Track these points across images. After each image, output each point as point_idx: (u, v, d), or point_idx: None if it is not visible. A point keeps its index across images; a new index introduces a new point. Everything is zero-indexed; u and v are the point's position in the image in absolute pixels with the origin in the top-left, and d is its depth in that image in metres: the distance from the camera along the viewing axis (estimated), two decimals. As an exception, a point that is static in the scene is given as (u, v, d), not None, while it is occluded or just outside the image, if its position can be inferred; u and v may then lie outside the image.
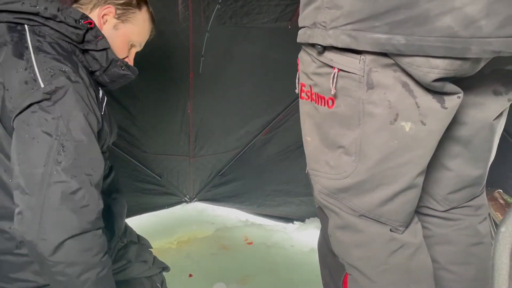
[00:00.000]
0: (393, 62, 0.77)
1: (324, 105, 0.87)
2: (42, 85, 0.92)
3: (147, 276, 1.36)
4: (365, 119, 0.83)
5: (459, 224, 1.03)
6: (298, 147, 2.62)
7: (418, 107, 0.79)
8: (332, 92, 0.83)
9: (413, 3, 0.71)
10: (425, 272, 0.92)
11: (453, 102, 0.79)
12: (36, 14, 1.02)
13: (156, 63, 2.09)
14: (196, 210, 2.95)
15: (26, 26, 1.01)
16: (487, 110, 0.94)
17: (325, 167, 0.91)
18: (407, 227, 0.91)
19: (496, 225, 1.42)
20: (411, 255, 0.89)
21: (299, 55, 0.98)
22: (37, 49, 0.97)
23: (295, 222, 2.83)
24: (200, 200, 2.95)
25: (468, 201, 1.03)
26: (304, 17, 0.89)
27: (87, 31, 1.08)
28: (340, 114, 0.85)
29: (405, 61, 0.75)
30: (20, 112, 0.91)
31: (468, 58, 0.73)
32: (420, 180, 0.88)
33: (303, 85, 0.95)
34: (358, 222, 0.89)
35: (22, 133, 0.90)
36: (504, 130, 1.83)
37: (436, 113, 0.80)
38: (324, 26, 0.80)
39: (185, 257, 2.29)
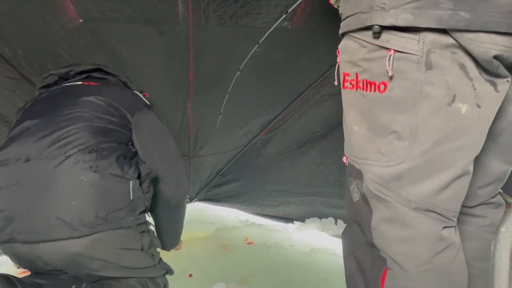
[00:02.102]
0: (452, 43, 0.79)
1: (375, 91, 0.87)
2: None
3: (151, 278, 1.36)
4: (421, 101, 0.82)
5: (484, 221, 1.06)
6: (298, 147, 2.62)
7: (475, 89, 0.81)
8: (390, 74, 0.83)
9: None
10: (463, 274, 0.92)
11: (504, 86, 0.82)
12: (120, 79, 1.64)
13: (156, 63, 2.10)
14: (196, 210, 2.95)
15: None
16: None
17: (376, 154, 0.89)
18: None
19: (496, 225, 1.42)
20: (455, 255, 0.89)
21: (341, 46, 0.97)
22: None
23: (295, 222, 2.83)
24: (200, 200, 2.95)
25: (491, 198, 1.06)
26: (354, 4, 0.89)
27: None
28: (393, 98, 0.85)
29: (467, 37, 0.77)
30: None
31: None
32: (472, 167, 0.88)
33: (346, 74, 0.93)
34: (411, 216, 0.87)
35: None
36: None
37: (490, 96, 0.82)
38: (383, 8, 0.81)
39: (185, 257, 2.29)
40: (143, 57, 2.05)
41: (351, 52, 0.92)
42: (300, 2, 1.88)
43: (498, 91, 0.82)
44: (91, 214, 1.17)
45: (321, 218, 2.75)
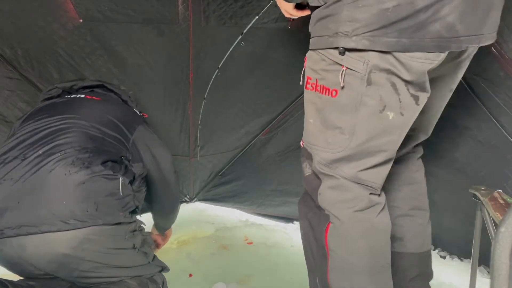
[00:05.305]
0: (388, 68, 1.05)
1: (328, 95, 1.14)
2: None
3: (148, 277, 1.36)
4: (360, 107, 1.11)
5: (410, 160, 1.49)
6: (298, 147, 2.60)
7: (400, 102, 1.10)
8: (341, 85, 1.10)
9: (414, 16, 1.00)
10: (385, 228, 1.20)
11: (423, 100, 1.13)
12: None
13: (156, 63, 2.10)
14: (196, 210, 2.95)
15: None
16: (444, 101, 1.36)
17: (323, 143, 1.19)
18: (381, 191, 1.22)
19: (496, 225, 1.42)
20: (377, 213, 1.18)
21: (308, 54, 1.22)
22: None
23: (295, 222, 2.83)
24: (200, 200, 2.95)
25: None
26: (320, 28, 1.14)
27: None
28: (341, 102, 1.12)
29: (408, 55, 1.04)
30: None
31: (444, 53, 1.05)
32: (393, 156, 1.20)
33: (309, 78, 1.20)
34: (349, 184, 1.17)
35: None
36: (505, 130, 1.85)
37: (412, 107, 1.12)
38: (346, 34, 1.06)
39: (185, 257, 2.29)
40: (143, 57, 2.05)
41: (314, 62, 1.18)
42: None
43: (418, 104, 1.12)
44: (82, 208, 1.19)
45: (321, 218, 2.75)
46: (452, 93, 1.35)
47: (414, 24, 1.00)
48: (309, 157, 1.25)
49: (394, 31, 1.01)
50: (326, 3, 1.11)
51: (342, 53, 1.08)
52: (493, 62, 1.65)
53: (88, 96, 1.61)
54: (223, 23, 1.97)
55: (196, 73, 2.16)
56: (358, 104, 1.10)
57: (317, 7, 1.15)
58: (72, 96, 1.63)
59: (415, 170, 1.53)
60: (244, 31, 2.01)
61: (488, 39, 1.11)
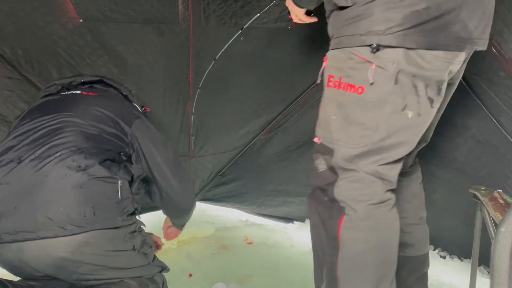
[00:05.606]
0: (412, 71, 1.13)
1: (354, 92, 1.19)
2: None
3: (149, 277, 1.36)
4: (386, 104, 1.16)
5: (414, 173, 1.61)
6: (298, 147, 2.62)
7: (419, 103, 1.18)
8: (370, 82, 1.15)
9: (440, 17, 1.11)
10: (395, 223, 1.24)
11: (437, 104, 1.23)
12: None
13: (156, 63, 2.10)
14: (196, 210, 2.93)
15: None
16: (444, 107, 1.43)
17: (346, 138, 1.22)
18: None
19: (496, 225, 1.42)
20: (390, 208, 1.23)
21: (330, 54, 1.28)
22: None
23: (295, 222, 2.83)
24: (200, 200, 2.95)
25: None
26: (349, 27, 1.19)
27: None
28: (366, 99, 1.17)
29: (432, 54, 1.13)
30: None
31: (461, 53, 1.18)
32: (406, 154, 1.26)
33: (331, 76, 1.25)
34: (368, 178, 1.20)
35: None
36: (505, 130, 1.85)
37: (427, 109, 1.21)
38: (380, 33, 1.13)
39: (185, 257, 2.29)
40: (143, 57, 2.05)
41: (339, 61, 1.23)
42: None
43: (432, 108, 1.21)
44: (79, 212, 1.17)
45: (321, 218, 2.75)
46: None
47: (439, 25, 1.11)
48: (328, 152, 1.26)
49: (423, 31, 1.11)
50: (355, 3, 1.17)
51: (374, 51, 1.14)
52: (493, 62, 1.66)
53: (84, 92, 1.57)
54: (223, 23, 1.97)
55: (196, 73, 2.16)
56: (384, 101, 1.16)
57: (343, 7, 1.20)
58: (68, 92, 1.60)
59: (420, 181, 1.63)
60: (245, 26, 2.00)
61: (486, 45, 1.23)
